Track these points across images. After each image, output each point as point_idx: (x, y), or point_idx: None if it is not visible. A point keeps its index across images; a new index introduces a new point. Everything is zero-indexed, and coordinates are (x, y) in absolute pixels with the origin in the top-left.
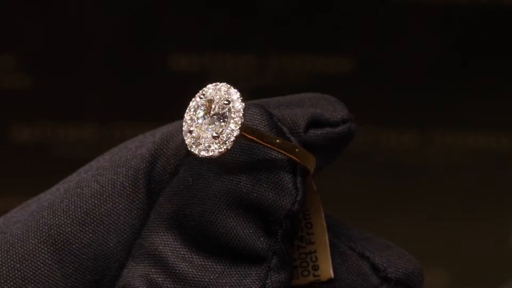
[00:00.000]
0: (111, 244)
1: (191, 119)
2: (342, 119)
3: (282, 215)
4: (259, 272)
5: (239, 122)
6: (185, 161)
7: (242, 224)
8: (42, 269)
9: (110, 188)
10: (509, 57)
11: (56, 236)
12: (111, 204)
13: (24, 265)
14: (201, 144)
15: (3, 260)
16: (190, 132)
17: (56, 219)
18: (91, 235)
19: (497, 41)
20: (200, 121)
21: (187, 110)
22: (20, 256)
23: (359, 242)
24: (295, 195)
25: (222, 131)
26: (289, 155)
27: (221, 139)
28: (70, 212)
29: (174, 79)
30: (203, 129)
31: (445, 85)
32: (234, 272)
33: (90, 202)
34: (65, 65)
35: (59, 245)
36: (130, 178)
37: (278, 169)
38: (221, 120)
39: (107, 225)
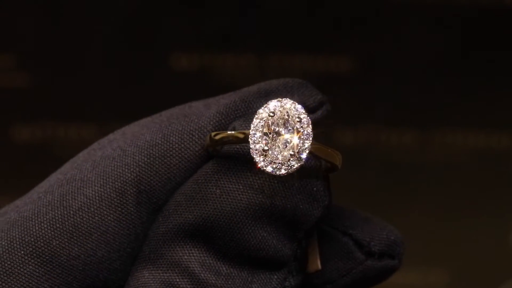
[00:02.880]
0: (100, 255)
1: (261, 137)
2: (319, 103)
3: (312, 223)
4: (279, 276)
5: (311, 138)
6: (185, 161)
7: (272, 234)
8: (30, 281)
9: (97, 201)
10: (509, 57)
11: (43, 248)
12: (99, 217)
13: (11, 277)
14: (276, 163)
15: None
16: (264, 152)
17: (43, 231)
18: (79, 247)
19: (497, 41)
20: (273, 140)
21: (253, 128)
22: (7, 268)
23: (341, 221)
24: (325, 201)
25: (297, 148)
26: (327, 158)
27: (296, 156)
28: (58, 225)
29: (175, 79)
30: (277, 148)
31: (445, 85)
32: (257, 279)
33: (77, 215)
34: (65, 65)
35: (47, 257)
36: (117, 190)
37: (310, 178)
38: (293, 134)
39: (96, 237)
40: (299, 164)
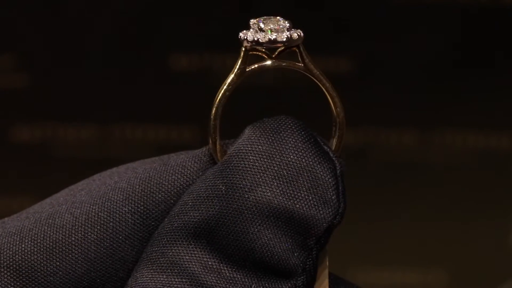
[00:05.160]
0: (79, 272)
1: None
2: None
3: (323, 229)
4: None
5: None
6: (185, 176)
7: (280, 237)
8: None
9: (83, 220)
10: (509, 57)
11: (20, 262)
12: (81, 234)
13: None
14: (272, 33)
15: None
16: (260, 29)
17: (23, 245)
18: (58, 263)
19: (497, 41)
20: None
21: (243, 34)
22: None
23: None
24: (337, 207)
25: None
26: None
27: (293, 29)
28: (38, 240)
29: (174, 79)
30: (273, 25)
31: (445, 85)
32: (261, 287)
33: (60, 232)
34: (65, 65)
35: (23, 271)
36: (105, 210)
37: (320, 178)
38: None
39: (75, 254)
40: (294, 34)
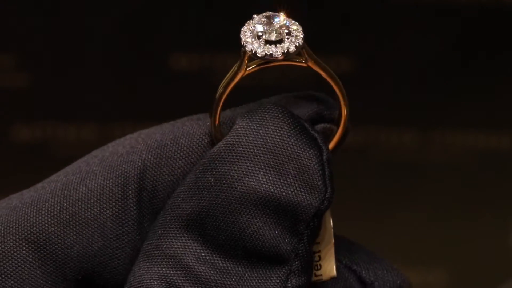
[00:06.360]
0: (96, 247)
1: (253, 32)
2: (339, 115)
3: (311, 214)
4: (280, 275)
5: (301, 31)
6: (191, 164)
7: (269, 224)
8: (22, 266)
9: (98, 193)
10: (509, 56)
11: (38, 234)
12: (98, 209)
13: (4, 261)
14: (271, 45)
15: None
16: (258, 37)
17: (39, 217)
18: (74, 237)
19: (497, 41)
20: (264, 26)
21: (243, 33)
22: (1, 251)
23: (346, 254)
24: (324, 192)
25: (291, 30)
26: (323, 70)
27: (293, 36)
28: (55, 213)
29: (174, 79)
30: (272, 30)
31: (445, 85)
32: (255, 275)
33: (76, 205)
34: (65, 64)
35: (41, 243)
36: (119, 185)
37: (306, 165)
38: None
39: (92, 229)
40: (292, 45)
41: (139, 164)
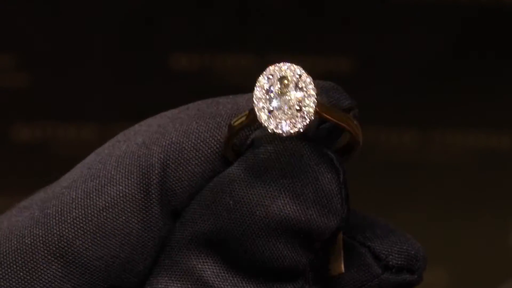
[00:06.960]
0: (123, 256)
1: (266, 99)
2: (349, 108)
3: (329, 235)
4: (296, 287)
5: (314, 93)
6: (210, 171)
7: (289, 246)
8: (53, 282)
9: (122, 202)
10: (509, 57)
11: (66, 248)
12: (123, 218)
13: (34, 277)
14: (282, 121)
15: (12, 272)
16: (270, 112)
17: (66, 230)
18: (103, 248)
19: (497, 41)
20: (277, 99)
21: (255, 95)
22: (30, 268)
23: (360, 230)
24: (342, 213)
25: (302, 104)
26: (340, 122)
27: (303, 113)
28: (81, 225)
29: (174, 79)
30: (284, 105)
31: (445, 85)
32: None
33: (101, 215)
34: (65, 65)
35: (70, 257)
36: (142, 191)
37: (324, 189)
38: (299, 92)
39: (119, 239)
40: (304, 123)
41: (159, 168)
